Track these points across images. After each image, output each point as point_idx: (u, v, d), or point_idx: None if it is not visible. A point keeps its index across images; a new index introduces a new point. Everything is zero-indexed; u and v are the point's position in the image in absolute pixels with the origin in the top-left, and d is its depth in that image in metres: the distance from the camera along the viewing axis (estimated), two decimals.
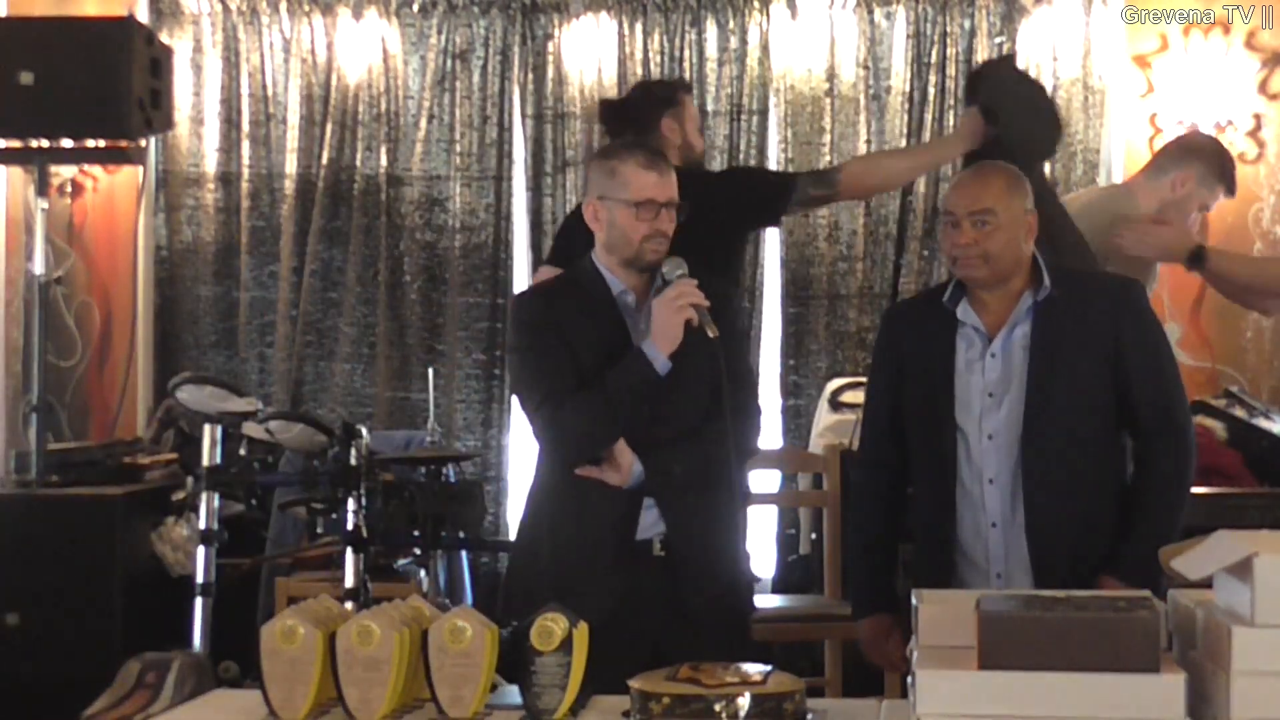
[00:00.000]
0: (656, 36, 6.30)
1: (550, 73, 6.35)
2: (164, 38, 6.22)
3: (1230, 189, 4.59)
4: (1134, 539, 3.21)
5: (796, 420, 6.17)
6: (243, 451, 5.08)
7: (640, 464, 3.20)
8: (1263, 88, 6.00)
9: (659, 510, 3.24)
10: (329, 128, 6.43)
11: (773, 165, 6.26)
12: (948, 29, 6.18)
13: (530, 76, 6.35)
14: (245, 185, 6.48)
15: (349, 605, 4.14)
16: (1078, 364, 3.25)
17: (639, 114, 4.29)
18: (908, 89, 6.19)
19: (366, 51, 6.44)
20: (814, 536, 5.51)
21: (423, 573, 4.74)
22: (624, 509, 3.22)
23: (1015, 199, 3.29)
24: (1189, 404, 3.42)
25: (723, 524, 3.25)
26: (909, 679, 2.26)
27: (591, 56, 6.33)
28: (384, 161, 6.42)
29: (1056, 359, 3.24)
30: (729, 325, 3.32)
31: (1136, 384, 3.27)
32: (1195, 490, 4.55)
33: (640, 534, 3.23)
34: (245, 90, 6.49)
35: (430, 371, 5.73)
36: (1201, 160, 4.49)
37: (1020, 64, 6.13)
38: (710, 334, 3.16)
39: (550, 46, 6.36)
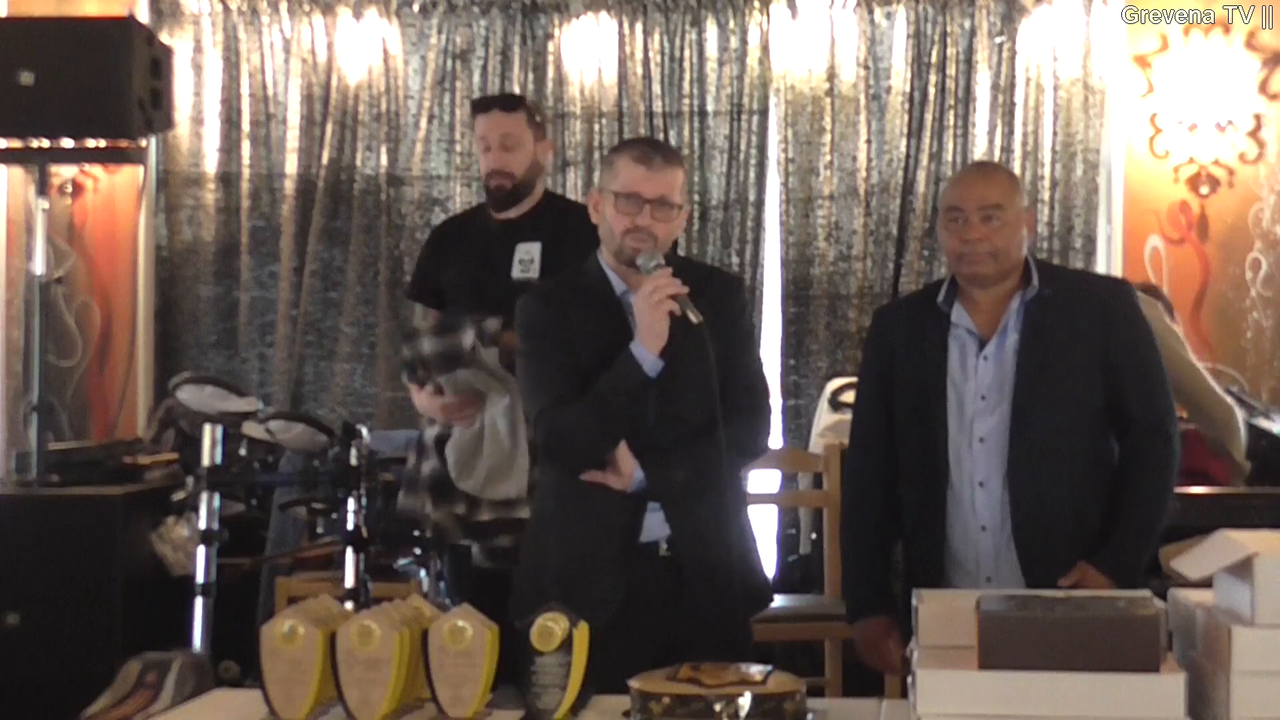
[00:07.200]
0: (656, 36, 6.30)
1: (550, 73, 6.35)
2: (164, 38, 6.22)
3: None
4: (1116, 536, 3.20)
5: (796, 420, 6.17)
6: (243, 451, 5.06)
7: (642, 469, 3.15)
8: (1263, 88, 6.00)
9: (664, 514, 3.19)
10: (329, 128, 6.43)
11: (773, 165, 6.27)
12: (948, 29, 6.18)
13: (530, 76, 6.35)
14: (245, 185, 6.48)
15: (349, 605, 4.14)
16: (1067, 367, 3.22)
17: None
18: (908, 89, 6.19)
19: (366, 51, 6.44)
20: (814, 536, 5.51)
21: (423, 573, 4.74)
22: (628, 513, 3.17)
23: (1018, 195, 3.29)
24: (1175, 408, 3.40)
25: (729, 527, 3.20)
26: (909, 679, 2.26)
27: (591, 56, 6.33)
28: (384, 161, 6.42)
29: (1046, 363, 3.22)
30: (733, 323, 3.28)
31: (1126, 389, 3.25)
32: (1195, 490, 4.61)
33: (645, 536, 3.19)
34: (245, 90, 6.49)
35: None
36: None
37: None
38: (693, 320, 3.08)
39: (550, 46, 6.36)
